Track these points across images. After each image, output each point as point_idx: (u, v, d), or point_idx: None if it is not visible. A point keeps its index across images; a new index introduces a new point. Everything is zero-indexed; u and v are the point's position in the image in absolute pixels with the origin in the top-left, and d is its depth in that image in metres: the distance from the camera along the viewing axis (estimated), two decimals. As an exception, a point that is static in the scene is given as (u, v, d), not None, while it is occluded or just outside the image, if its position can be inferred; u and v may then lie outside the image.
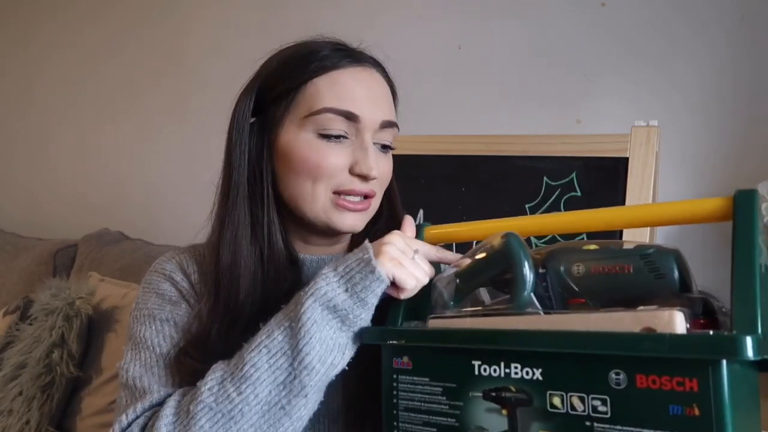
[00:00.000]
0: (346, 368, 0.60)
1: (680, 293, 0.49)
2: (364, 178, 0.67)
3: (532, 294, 0.52)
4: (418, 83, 1.55)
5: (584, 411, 0.44)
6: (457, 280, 0.57)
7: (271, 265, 0.69)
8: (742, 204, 0.47)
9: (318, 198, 0.67)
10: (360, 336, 0.58)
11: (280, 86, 0.68)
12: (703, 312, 0.48)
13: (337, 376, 0.68)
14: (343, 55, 0.68)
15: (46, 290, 1.39)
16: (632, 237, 0.97)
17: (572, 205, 1.11)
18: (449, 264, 0.63)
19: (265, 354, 0.56)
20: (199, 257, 0.76)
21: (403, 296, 0.60)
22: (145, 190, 2.04)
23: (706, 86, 1.28)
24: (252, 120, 0.70)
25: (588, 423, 0.43)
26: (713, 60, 1.28)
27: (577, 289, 0.53)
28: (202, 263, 0.74)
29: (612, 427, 0.42)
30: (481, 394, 0.49)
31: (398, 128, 0.72)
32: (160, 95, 2.01)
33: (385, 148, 0.71)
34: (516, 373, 0.48)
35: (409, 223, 0.68)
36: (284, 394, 0.55)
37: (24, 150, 2.33)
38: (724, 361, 0.39)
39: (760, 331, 0.41)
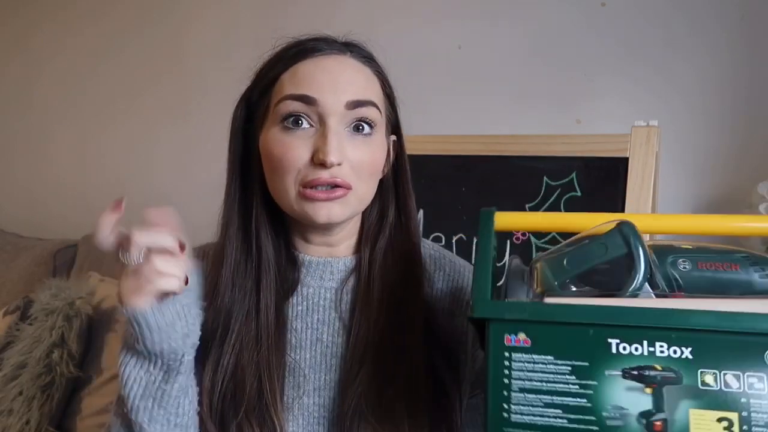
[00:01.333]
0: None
1: None
2: (323, 165, 0.63)
3: (646, 284, 0.52)
4: (418, 83, 1.55)
5: (740, 388, 0.45)
6: (564, 262, 0.55)
7: (263, 265, 0.70)
8: None
9: (289, 191, 0.66)
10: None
11: (258, 89, 0.70)
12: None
13: (333, 381, 0.69)
14: (310, 47, 0.68)
15: (46, 290, 1.40)
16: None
17: (572, 205, 1.11)
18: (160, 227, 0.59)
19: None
20: (203, 261, 0.76)
21: (175, 292, 0.57)
22: (145, 190, 2.04)
23: (706, 86, 1.29)
24: (246, 126, 0.72)
25: (744, 399, 0.45)
26: (713, 60, 1.28)
27: (682, 283, 0.53)
28: (203, 267, 0.75)
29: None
30: (619, 373, 0.48)
31: (378, 108, 0.68)
32: (160, 95, 2.01)
33: (358, 131, 0.67)
34: (662, 352, 0.47)
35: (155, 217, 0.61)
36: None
37: (24, 150, 2.33)
38: None
39: None
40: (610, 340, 0.48)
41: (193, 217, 0.75)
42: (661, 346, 0.47)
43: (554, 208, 1.12)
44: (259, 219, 0.70)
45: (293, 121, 0.65)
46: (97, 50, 2.14)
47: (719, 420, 0.45)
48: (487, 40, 1.48)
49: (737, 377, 0.46)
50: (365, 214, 0.75)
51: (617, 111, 1.34)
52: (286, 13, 1.76)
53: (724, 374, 0.46)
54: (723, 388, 0.46)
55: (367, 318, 0.70)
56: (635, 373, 0.47)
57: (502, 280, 0.59)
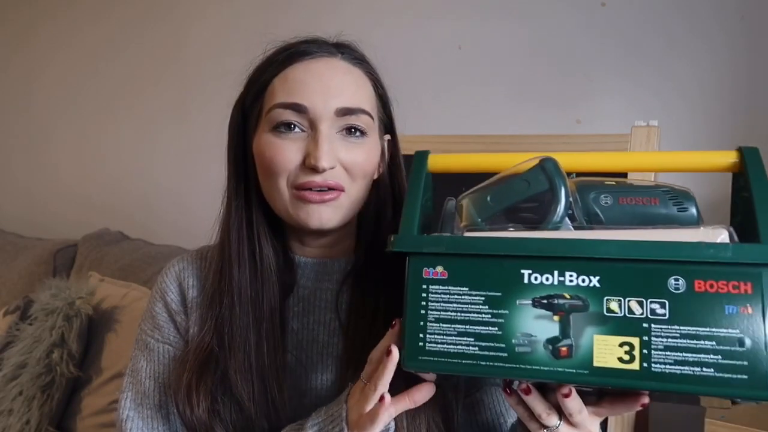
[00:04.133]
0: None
1: (698, 225, 0.54)
2: (315, 169, 0.64)
3: (566, 218, 0.53)
4: (418, 83, 1.55)
5: (642, 314, 0.48)
6: (488, 198, 0.57)
7: (264, 268, 0.70)
8: (750, 155, 0.56)
9: (281, 194, 0.67)
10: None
11: (251, 94, 0.70)
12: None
13: (329, 381, 0.71)
14: (300, 51, 0.68)
15: (46, 290, 1.40)
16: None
17: (572, 205, 1.11)
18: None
19: None
20: (203, 264, 0.77)
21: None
22: (145, 189, 2.04)
23: (706, 86, 1.29)
24: (242, 129, 0.72)
25: (645, 324, 0.47)
26: (713, 60, 1.28)
27: (603, 218, 0.55)
28: (204, 270, 0.76)
29: (669, 327, 0.47)
30: (530, 302, 0.50)
31: (368, 114, 0.68)
32: (160, 95, 2.01)
33: (350, 134, 0.67)
34: (571, 281, 0.49)
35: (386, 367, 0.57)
36: None
37: (24, 150, 2.33)
38: None
39: None
40: (522, 271, 0.51)
41: (193, 217, 0.76)
42: (571, 276, 0.49)
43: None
44: (259, 221, 0.71)
45: (285, 126, 0.66)
46: (97, 50, 2.14)
47: (621, 345, 0.48)
48: (487, 40, 1.48)
49: (641, 304, 0.48)
50: (361, 215, 0.75)
51: (617, 111, 1.35)
52: (286, 13, 1.76)
53: (629, 301, 0.48)
54: (627, 314, 0.48)
55: (363, 318, 0.71)
56: (545, 301, 0.50)
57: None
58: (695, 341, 0.46)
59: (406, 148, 1.24)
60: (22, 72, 2.33)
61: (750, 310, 0.46)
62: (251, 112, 0.70)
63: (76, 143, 2.19)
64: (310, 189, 0.65)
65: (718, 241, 0.48)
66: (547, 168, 0.55)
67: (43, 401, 1.29)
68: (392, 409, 0.57)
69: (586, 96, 1.38)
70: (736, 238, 0.49)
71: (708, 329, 0.46)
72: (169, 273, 0.77)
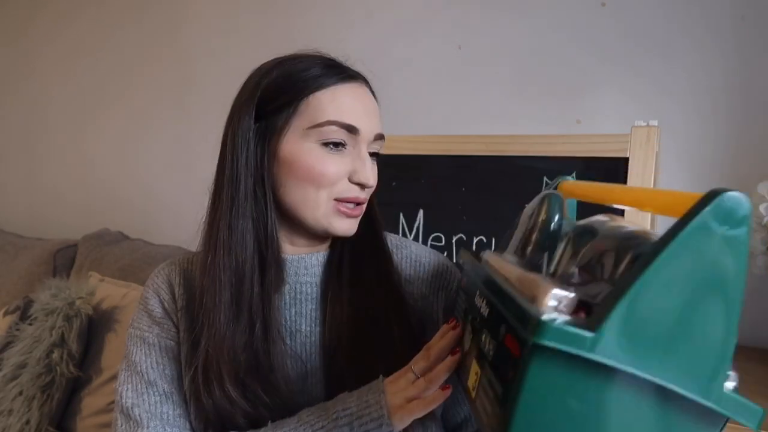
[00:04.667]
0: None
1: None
2: (362, 186, 0.72)
3: (545, 255, 0.55)
4: (418, 83, 1.55)
5: (487, 350, 0.49)
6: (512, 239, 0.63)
7: (269, 267, 0.72)
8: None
9: (320, 204, 0.71)
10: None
11: (282, 98, 0.71)
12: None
13: (314, 368, 0.74)
14: (338, 71, 0.73)
15: (46, 290, 1.40)
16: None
17: (572, 205, 1.10)
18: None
19: None
20: (190, 266, 0.79)
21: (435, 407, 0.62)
22: (144, 189, 2.04)
23: (706, 86, 1.29)
24: (254, 127, 0.72)
25: (484, 360, 0.50)
26: (713, 60, 1.28)
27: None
28: (190, 273, 0.78)
29: (484, 370, 0.48)
30: (470, 318, 0.58)
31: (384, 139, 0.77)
32: (159, 94, 2.01)
33: (374, 156, 0.76)
34: (485, 308, 0.53)
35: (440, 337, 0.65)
36: None
37: (23, 150, 2.33)
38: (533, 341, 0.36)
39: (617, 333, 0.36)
40: (476, 290, 0.57)
41: (192, 217, 0.76)
42: (483, 302, 0.54)
43: (554, 208, 1.12)
44: (273, 220, 0.73)
45: (338, 144, 0.71)
46: (96, 49, 2.14)
47: (475, 372, 0.52)
48: (487, 40, 1.48)
49: (489, 341, 0.49)
50: None
51: (617, 111, 1.35)
52: (283, 12, 1.76)
53: (486, 336, 0.50)
54: (483, 348, 0.50)
55: (340, 302, 0.75)
56: (470, 317, 0.57)
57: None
58: (489, 386, 0.46)
59: (407, 148, 1.24)
60: (21, 69, 2.33)
61: (510, 375, 0.41)
62: (277, 114, 0.71)
63: (75, 143, 2.19)
64: (349, 203, 0.72)
65: (545, 300, 0.39)
66: (541, 203, 0.59)
67: (43, 401, 1.29)
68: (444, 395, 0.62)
69: (586, 96, 1.38)
70: (565, 301, 0.39)
71: (496, 379, 0.44)
72: (159, 275, 0.80)
